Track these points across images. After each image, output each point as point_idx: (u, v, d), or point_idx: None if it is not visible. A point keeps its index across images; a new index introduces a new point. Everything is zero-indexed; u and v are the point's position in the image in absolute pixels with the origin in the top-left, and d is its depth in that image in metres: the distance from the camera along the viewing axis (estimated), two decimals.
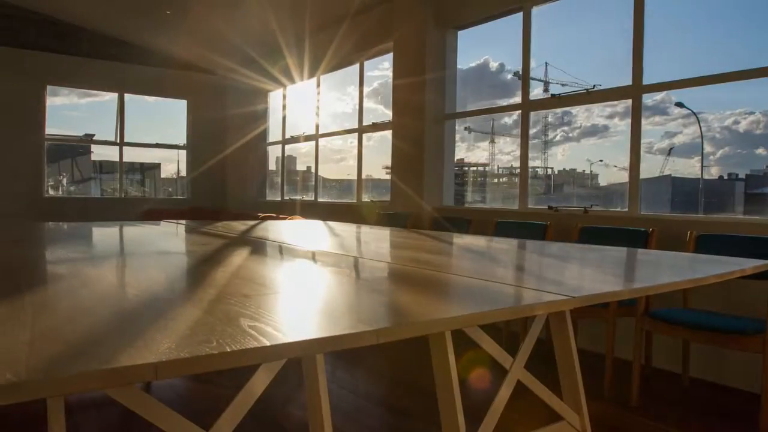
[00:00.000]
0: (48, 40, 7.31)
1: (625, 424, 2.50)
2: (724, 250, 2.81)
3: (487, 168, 5.49)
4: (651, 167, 3.84)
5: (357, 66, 6.18)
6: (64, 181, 8.20)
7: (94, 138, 8.32)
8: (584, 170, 5.04)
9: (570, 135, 4.56)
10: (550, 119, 4.59)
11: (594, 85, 3.83)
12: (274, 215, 6.16)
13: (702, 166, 3.88)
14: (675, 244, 3.13)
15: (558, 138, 4.62)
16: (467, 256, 1.99)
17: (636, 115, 3.58)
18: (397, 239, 2.54)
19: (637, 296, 1.14)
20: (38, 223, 3.36)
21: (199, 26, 6.82)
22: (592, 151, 4.54)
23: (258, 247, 2.11)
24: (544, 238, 3.66)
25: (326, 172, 7.30)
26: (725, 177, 3.97)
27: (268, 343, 0.73)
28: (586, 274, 1.62)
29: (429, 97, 4.92)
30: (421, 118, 4.94)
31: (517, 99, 4.41)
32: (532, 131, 4.41)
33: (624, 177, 4.61)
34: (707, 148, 3.81)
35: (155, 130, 8.83)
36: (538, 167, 5.31)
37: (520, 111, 4.40)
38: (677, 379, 3.05)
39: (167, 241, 2.47)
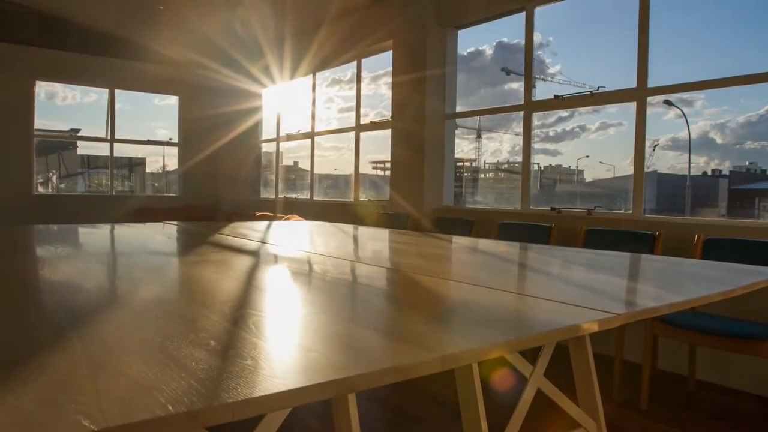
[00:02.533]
0: (37, 35, 7.16)
1: (636, 428, 2.50)
2: (732, 255, 2.82)
3: (473, 164, 5.49)
4: (650, 163, 3.82)
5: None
6: (54, 178, 8.05)
7: (82, 131, 8.16)
8: (570, 166, 5.06)
9: (588, 127, 4.51)
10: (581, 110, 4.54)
11: (598, 87, 3.83)
12: (271, 215, 6.10)
13: (689, 163, 3.90)
14: (681, 247, 3.14)
15: (575, 129, 4.58)
16: (495, 266, 1.97)
17: (641, 117, 3.58)
18: (417, 246, 2.50)
19: (676, 310, 1.13)
20: (36, 227, 3.28)
21: (192, 22, 6.72)
22: (602, 144, 4.51)
23: (284, 257, 2.07)
24: (549, 240, 3.66)
25: (307, 165, 7.18)
26: (708, 173, 4.00)
27: (336, 377, 0.70)
28: (620, 285, 1.61)
29: (429, 96, 4.89)
30: (421, 118, 4.91)
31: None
32: (544, 121, 4.40)
33: (609, 173, 4.65)
34: (721, 141, 3.82)
35: (140, 121, 8.68)
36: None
37: (522, 111, 4.40)
38: (683, 381, 3.07)
39: (184, 251, 2.43)
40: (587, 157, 4.75)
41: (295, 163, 7.91)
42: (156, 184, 9.04)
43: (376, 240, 2.77)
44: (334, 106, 7.03)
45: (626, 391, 2.88)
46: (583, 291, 1.44)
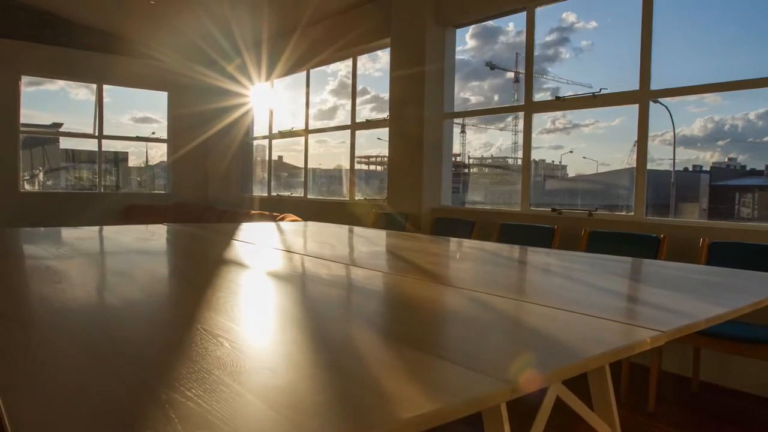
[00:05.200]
0: (23, 29, 6.98)
1: (645, 431, 2.52)
2: (738, 259, 2.84)
3: (458, 158, 5.49)
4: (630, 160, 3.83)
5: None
6: (41, 175, 7.88)
7: (65, 124, 7.99)
8: (553, 161, 5.09)
9: (579, 123, 4.52)
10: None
11: (600, 89, 3.84)
12: (267, 213, 6.04)
13: (674, 160, 3.94)
14: (685, 251, 3.16)
15: (586, 122, 4.60)
16: (524, 276, 1.95)
17: (643, 120, 3.60)
18: (439, 254, 2.48)
19: (713, 324, 1.13)
20: (32, 231, 3.20)
21: (183, 17, 6.60)
22: (591, 139, 4.52)
23: (309, 266, 2.04)
24: (552, 243, 3.66)
25: (294, 159, 7.10)
26: (690, 169, 4.04)
27: (419, 411, 0.67)
28: (655, 295, 1.60)
29: (427, 95, 4.87)
30: (419, 117, 4.88)
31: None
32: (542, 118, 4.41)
33: (592, 168, 4.68)
34: (729, 136, 3.85)
35: (124, 106, 8.52)
36: (509, 157, 5.32)
37: (523, 112, 4.39)
38: (687, 383, 3.10)
39: (201, 260, 2.38)
40: (571, 152, 4.78)
41: (279, 157, 7.81)
42: (139, 179, 8.90)
43: (391, 245, 2.72)
44: (344, 92, 6.89)
45: (633, 394, 2.89)
46: (623, 304, 1.43)
